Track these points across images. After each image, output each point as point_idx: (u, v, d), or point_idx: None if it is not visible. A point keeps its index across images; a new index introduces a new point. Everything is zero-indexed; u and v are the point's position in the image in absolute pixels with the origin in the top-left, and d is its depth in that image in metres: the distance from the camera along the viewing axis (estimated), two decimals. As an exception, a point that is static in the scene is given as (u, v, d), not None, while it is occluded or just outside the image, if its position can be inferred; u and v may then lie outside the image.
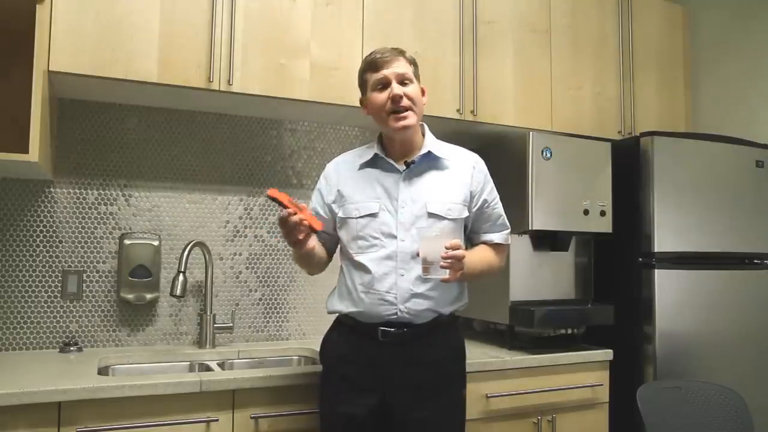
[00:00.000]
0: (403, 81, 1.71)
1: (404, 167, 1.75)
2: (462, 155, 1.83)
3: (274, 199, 1.58)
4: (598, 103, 2.77)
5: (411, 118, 1.70)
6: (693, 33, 3.10)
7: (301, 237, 1.61)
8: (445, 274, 1.59)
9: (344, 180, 1.78)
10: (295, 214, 1.57)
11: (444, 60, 2.42)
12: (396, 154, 1.77)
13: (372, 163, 1.78)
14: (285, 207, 1.57)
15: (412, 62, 1.76)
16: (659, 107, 2.95)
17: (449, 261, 1.56)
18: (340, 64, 2.24)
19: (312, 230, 1.60)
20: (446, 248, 1.56)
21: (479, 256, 1.79)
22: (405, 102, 1.69)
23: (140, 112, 2.31)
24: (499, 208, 1.85)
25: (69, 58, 1.87)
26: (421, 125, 1.82)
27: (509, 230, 1.87)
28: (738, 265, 2.59)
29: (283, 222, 1.58)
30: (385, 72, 1.70)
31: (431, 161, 1.77)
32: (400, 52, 1.74)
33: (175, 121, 2.36)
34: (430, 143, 1.79)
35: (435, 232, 1.64)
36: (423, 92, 1.78)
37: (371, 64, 1.73)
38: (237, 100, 2.19)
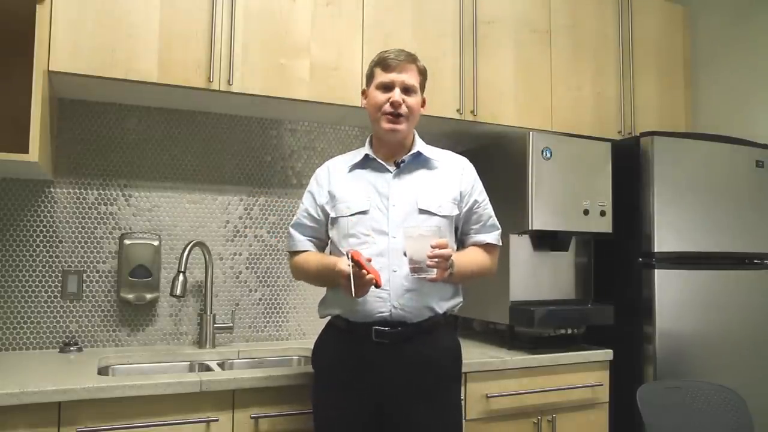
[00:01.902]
0: (407, 90, 1.73)
1: (394, 167, 1.77)
2: (451, 157, 1.87)
3: (354, 261, 1.56)
4: (598, 103, 2.77)
5: (402, 126, 1.74)
6: (693, 33, 3.10)
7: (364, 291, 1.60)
8: (433, 273, 1.58)
9: (335, 182, 1.80)
10: (369, 274, 1.56)
11: (444, 60, 2.42)
12: (386, 155, 1.79)
13: (362, 164, 1.80)
14: (363, 270, 1.55)
15: (422, 72, 1.79)
16: (659, 107, 2.94)
17: (436, 260, 1.57)
18: (340, 64, 2.24)
19: (376, 286, 1.58)
20: (432, 247, 1.56)
21: (469, 258, 1.79)
22: (403, 110, 1.72)
23: (140, 112, 2.31)
24: (489, 209, 1.86)
25: (69, 58, 1.87)
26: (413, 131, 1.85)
27: (500, 231, 1.86)
28: (738, 265, 2.59)
29: (358, 279, 1.56)
30: (393, 77, 1.73)
31: (421, 161, 1.80)
32: (414, 60, 1.77)
33: (175, 121, 2.36)
34: (420, 146, 1.82)
35: (419, 230, 1.63)
36: (423, 102, 1.80)
37: (384, 63, 1.75)
38: (237, 100, 2.19)
